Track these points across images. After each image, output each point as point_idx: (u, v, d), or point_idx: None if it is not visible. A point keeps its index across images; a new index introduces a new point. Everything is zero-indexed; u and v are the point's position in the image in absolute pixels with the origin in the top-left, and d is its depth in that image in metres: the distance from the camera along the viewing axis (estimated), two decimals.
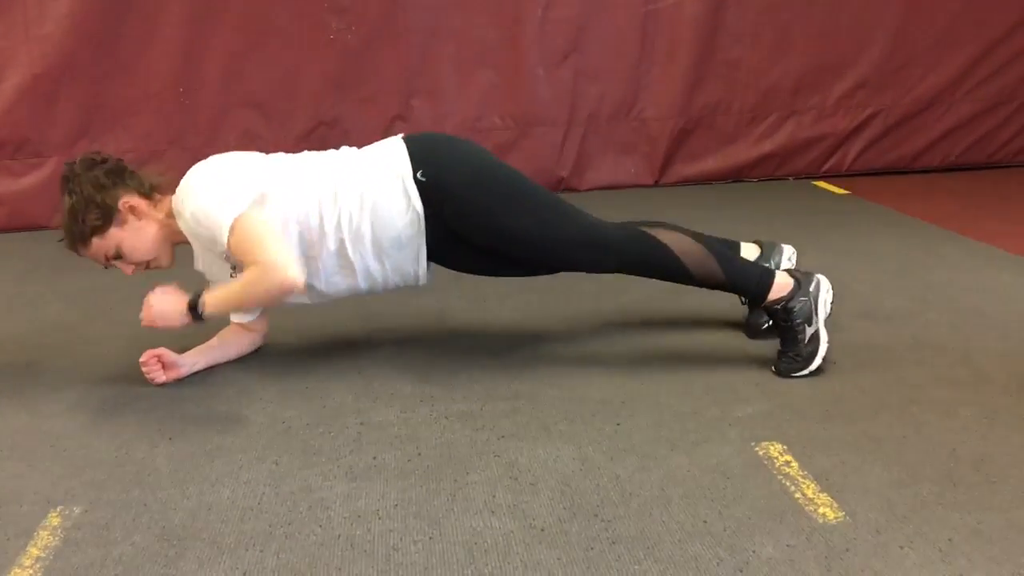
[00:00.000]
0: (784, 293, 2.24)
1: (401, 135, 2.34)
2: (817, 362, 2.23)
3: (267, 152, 2.37)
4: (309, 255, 2.23)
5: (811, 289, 2.25)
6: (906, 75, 4.69)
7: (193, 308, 2.16)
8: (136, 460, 1.97)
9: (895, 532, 1.61)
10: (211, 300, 2.16)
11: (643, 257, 2.26)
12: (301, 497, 1.80)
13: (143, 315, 2.20)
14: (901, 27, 4.60)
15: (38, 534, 1.70)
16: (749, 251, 2.54)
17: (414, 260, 2.27)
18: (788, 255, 2.57)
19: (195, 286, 2.22)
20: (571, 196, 4.53)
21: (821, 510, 1.69)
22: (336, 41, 4.28)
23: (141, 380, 2.32)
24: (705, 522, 1.66)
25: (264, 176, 2.21)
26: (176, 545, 1.65)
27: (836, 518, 1.66)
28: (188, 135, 4.32)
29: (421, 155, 2.23)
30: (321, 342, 2.60)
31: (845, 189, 4.50)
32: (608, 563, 1.56)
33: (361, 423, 2.11)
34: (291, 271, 2.11)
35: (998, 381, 2.20)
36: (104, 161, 2.28)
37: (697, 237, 2.30)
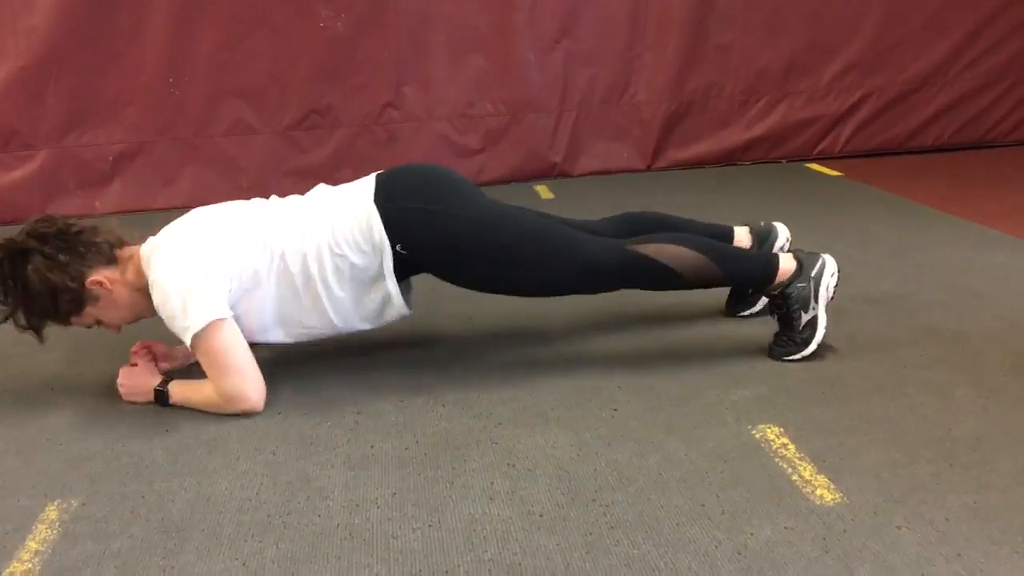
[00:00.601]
0: (784, 278, 2.22)
1: (373, 183, 2.17)
2: (812, 347, 2.23)
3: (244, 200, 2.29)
4: (285, 309, 2.17)
5: (812, 273, 2.22)
6: (898, 56, 4.68)
7: (160, 392, 2.16)
8: (133, 453, 1.97)
9: (892, 513, 1.62)
10: (176, 395, 2.16)
11: (642, 277, 2.21)
12: (299, 487, 1.80)
13: (120, 383, 2.22)
14: (892, 8, 4.59)
15: (36, 528, 1.70)
16: (741, 235, 2.53)
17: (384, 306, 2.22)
18: (782, 241, 2.54)
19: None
20: (564, 181, 4.55)
21: (818, 492, 1.69)
22: (326, 29, 4.26)
23: None
24: (703, 505, 1.67)
25: (232, 254, 2.09)
26: (175, 537, 1.65)
27: (833, 499, 1.67)
28: (178, 126, 4.30)
29: (397, 222, 2.10)
30: None
31: (838, 171, 4.49)
32: (607, 547, 1.56)
33: (358, 412, 2.11)
34: (250, 401, 2.09)
35: (994, 361, 2.21)
36: (59, 233, 2.12)
37: (693, 242, 2.21)
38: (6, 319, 2.10)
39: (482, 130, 4.54)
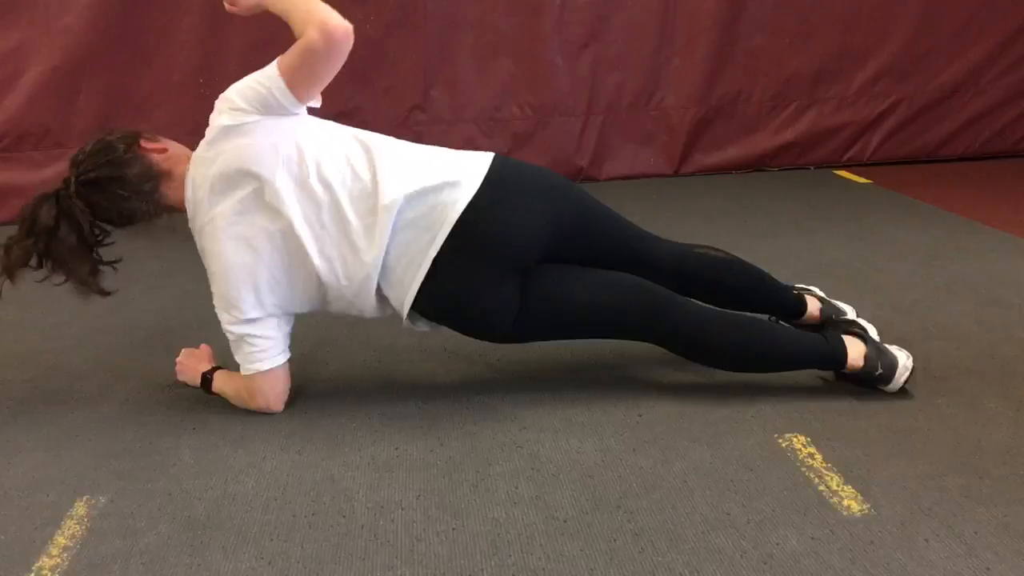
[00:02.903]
0: (853, 369, 2.09)
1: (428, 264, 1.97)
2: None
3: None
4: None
5: (876, 375, 2.07)
6: (929, 63, 4.63)
7: (205, 378, 2.20)
8: (161, 450, 1.98)
9: (920, 525, 1.61)
10: (218, 381, 2.19)
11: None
12: (324, 487, 1.81)
13: (177, 360, 2.29)
14: (923, 15, 4.55)
15: (65, 523, 1.72)
16: (813, 308, 2.37)
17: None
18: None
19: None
20: (590, 186, 4.54)
21: (845, 502, 1.68)
22: (355, 31, 4.26)
23: (164, 372, 2.33)
24: (728, 514, 1.66)
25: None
26: (201, 535, 1.67)
27: (860, 511, 1.65)
28: (208, 126, 4.32)
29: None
30: (340, 333, 2.60)
31: (867, 178, 4.46)
32: (631, 555, 1.55)
33: (382, 414, 2.11)
34: (269, 402, 2.11)
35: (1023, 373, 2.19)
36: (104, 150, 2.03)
37: (759, 338, 2.08)
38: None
39: (509, 133, 4.54)
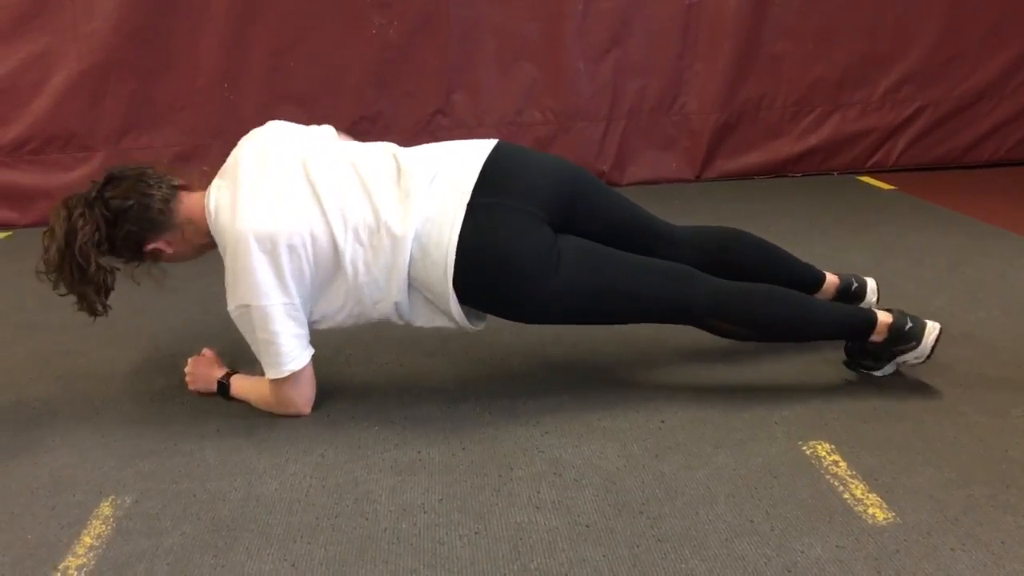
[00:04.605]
0: (881, 337, 2.13)
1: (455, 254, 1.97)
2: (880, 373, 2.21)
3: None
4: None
5: (895, 349, 2.12)
6: (954, 69, 4.60)
7: (222, 385, 2.21)
8: (185, 452, 2.00)
9: (946, 534, 1.59)
10: (236, 388, 2.21)
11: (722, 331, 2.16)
12: (347, 490, 1.82)
13: (186, 371, 2.29)
14: (949, 20, 4.51)
15: (91, 523, 1.74)
16: (830, 285, 2.43)
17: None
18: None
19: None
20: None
21: (870, 511, 1.67)
22: (378, 36, 4.29)
23: None
24: (752, 521, 1.65)
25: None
26: (225, 536, 1.68)
27: (886, 519, 1.64)
28: (232, 130, 4.34)
29: (474, 308, 2.09)
30: (362, 337, 2.61)
31: (891, 184, 4.43)
32: (654, 561, 1.55)
33: (405, 417, 2.12)
34: (300, 408, 2.13)
35: None
36: (120, 210, 2.05)
37: (785, 305, 2.11)
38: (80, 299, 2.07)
39: (530, 138, 4.55)
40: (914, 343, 2.10)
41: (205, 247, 2.14)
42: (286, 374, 2.05)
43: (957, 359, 2.30)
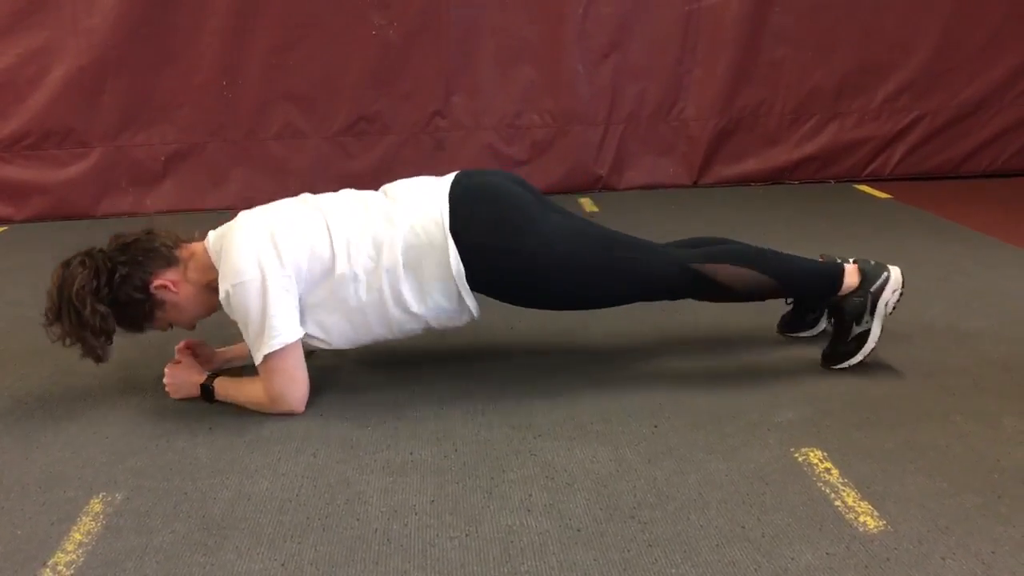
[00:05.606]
0: (846, 292, 2.24)
1: (447, 203, 2.12)
2: (857, 359, 2.26)
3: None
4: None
5: (872, 288, 2.23)
6: (952, 79, 4.61)
7: (206, 388, 2.20)
8: (177, 449, 1.99)
9: (937, 543, 1.59)
10: (221, 391, 2.19)
11: (701, 293, 2.24)
12: (339, 490, 1.81)
13: (165, 382, 2.25)
14: (947, 30, 4.53)
15: (81, 519, 1.73)
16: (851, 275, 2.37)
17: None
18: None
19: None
20: (609, 195, 4.55)
21: (862, 518, 1.67)
22: (378, 36, 4.29)
23: None
24: (743, 527, 1.65)
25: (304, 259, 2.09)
26: (215, 534, 1.67)
27: (877, 527, 1.64)
28: (229, 128, 4.37)
29: (472, 264, 2.10)
30: None
31: (887, 193, 4.43)
32: (645, 566, 1.55)
33: (398, 418, 2.12)
34: (293, 405, 2.13)
35: None
36: (121, 247, 2.11)
37: (755, 260, 2.22)
38: (83, 347, 2.10)
39: (528, 141, 4.55)
40: (885, 274, 2.23)
41: (210, 298, 2.15)
42: (277, 347, 2.04)
43: (950, 368, 2.30)
